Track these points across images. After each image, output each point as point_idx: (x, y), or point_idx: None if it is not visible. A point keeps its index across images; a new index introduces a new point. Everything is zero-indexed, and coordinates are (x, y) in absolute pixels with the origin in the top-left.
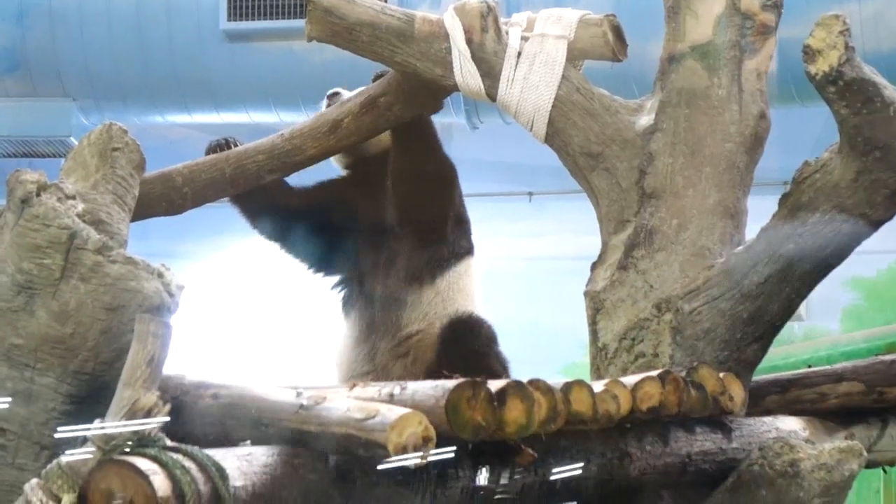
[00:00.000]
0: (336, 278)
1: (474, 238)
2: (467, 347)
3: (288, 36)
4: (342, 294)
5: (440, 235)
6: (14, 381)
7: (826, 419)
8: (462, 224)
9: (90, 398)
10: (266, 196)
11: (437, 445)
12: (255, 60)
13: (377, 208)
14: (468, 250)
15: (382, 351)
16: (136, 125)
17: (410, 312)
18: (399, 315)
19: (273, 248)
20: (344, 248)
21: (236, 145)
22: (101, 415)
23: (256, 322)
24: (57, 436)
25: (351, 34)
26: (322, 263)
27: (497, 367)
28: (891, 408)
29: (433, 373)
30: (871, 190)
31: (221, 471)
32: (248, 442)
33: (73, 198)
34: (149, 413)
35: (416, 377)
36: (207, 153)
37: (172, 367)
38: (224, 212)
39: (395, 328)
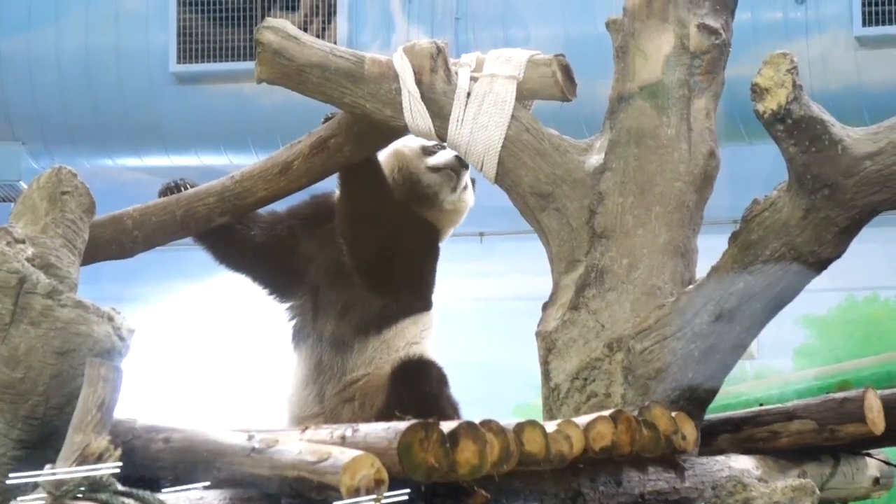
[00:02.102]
0: (290, 304)
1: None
2: (417, 390)
3: (238, 78)
4: (294, 324)
5: (389, 290)
6: None
7: (779, 457)
8: (419, 279)
9: (41, 443)
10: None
11: (390, 488)
12: (206, 103)
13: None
14: (423, 307)
15: (329, 395)
16: (85, 168)
17: (356, 357)
18: (345, 359)
19: (226, 292)
20: (304, 276)
21: (189, 187)
22: (52, 460)
23: (208, 365)
24: (7, 482)
25: (301, 76)
26: (280, 289)
27: (448, 409)
28: (843, 445)
29: (384, 416)
30: (820, 228)
31: None
32: (200, 486)
33: (23, 242)
34: (100, 458)
35: (366, 420)
36: (161, 195)
37: (124, 411)
38: (175, 255)
39: (340, 372)
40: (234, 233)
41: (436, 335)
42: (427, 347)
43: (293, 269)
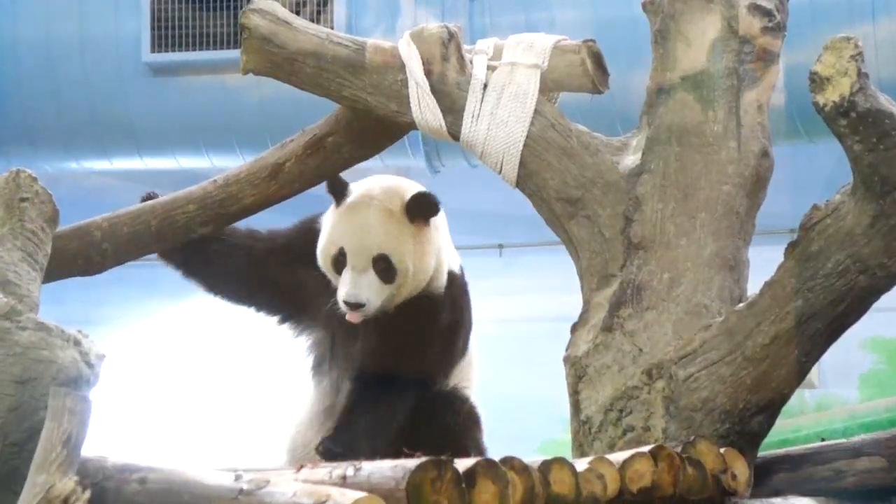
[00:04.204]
0: (306, 337)
1: None
2: (439, 423)
3: (220, 69)
4: (312, 357)
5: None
6: None
7: (843, 500)
8: (450, 358)
9: None
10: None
11: None
12: (183, 97)
13: None
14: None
15: None
16: (47, 173)
17: None
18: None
19: (205, 313)
20: (313, 314)
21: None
22: None
23: (188, 395)
24: None
25: (292, 66)
26: (293, 322)
27: (471, 451)
28: None
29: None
30: (890, 237)
31: None
32: None
33: None
34: (66, 501)
35: None
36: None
37: (93, 448)
38: (150, 271)
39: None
40: (226, 259)
41: (475, 367)
42: (467, 383)
43: (300, 304)
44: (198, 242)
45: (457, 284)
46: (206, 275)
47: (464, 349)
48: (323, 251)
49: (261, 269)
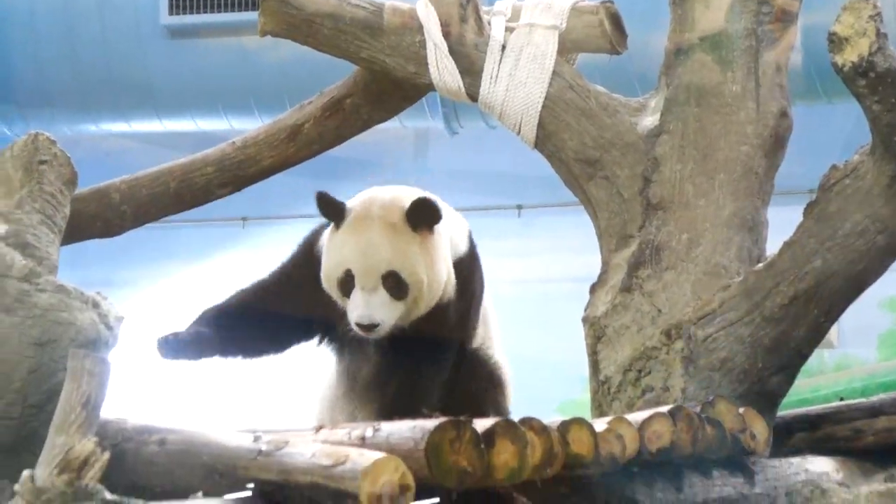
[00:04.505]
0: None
1: None
2: (460, 385)
3: (238, 31)
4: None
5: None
6: None
7: (862, 459)
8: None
9: (18, 447)
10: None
11: (417, 495)
12: (202, 59)
13: None
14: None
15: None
16: (66, 135)
17: None
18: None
19: (224, 273)
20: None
21: None
22: (32, 465)
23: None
24: None
25: (310, 27)
26: (328, 337)
27: (490, 414)
28: None
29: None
30: None
31: None
32: (200, 494)
33: None
34: (85, 462)
35: None
36: None
37: (112, 409)
38: (169, 232)
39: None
40: (248, 324)
41: (494, 325)
42: (488, 343)
43: (330, 322)
44: (220, 325)
45: (466, 260)
46: (243, 349)
47: (477, 312)
48: (328, 275)
49: (283, 309)
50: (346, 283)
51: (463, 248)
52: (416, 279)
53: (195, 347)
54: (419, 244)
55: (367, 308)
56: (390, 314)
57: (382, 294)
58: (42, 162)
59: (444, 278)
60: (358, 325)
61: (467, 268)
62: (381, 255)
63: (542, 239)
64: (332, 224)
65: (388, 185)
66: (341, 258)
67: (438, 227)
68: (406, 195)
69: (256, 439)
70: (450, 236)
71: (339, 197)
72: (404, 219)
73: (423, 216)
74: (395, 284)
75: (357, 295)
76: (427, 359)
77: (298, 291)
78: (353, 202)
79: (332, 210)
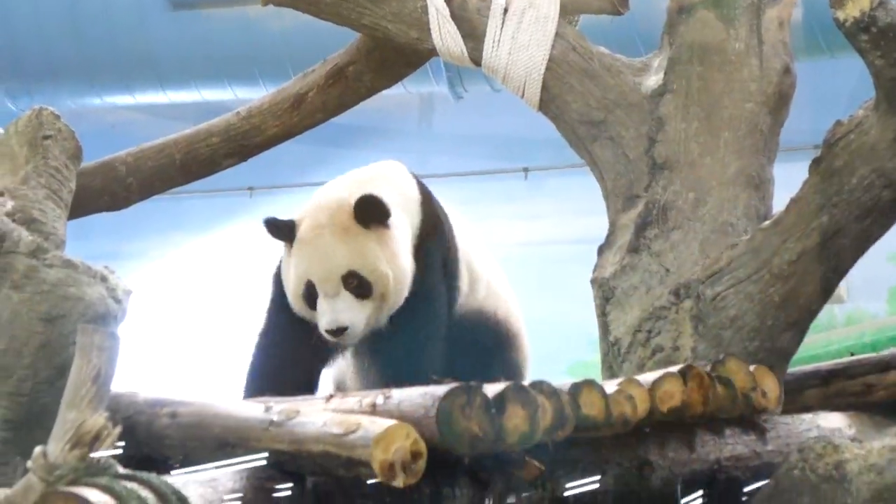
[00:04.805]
0: None
1: (464, 219)
2: (469, 348)
3: (241, 0)
4: None
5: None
6: None
7: (874, 414)
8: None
9: (29, 423)
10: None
11: (429, 462)
12: (205, 30)
13: None
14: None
15: None
16: (70, 109)
17: None
18: None
19: (233, 244)
20: None
21: None
22: (43, 441)
23: (217, 329)
24: None
25: None
26: None
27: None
28: None
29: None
30: None
31: (183, 500)
32: (213, 465)
33: (1, 194)
34: (97, 437)
35: None
36: None
37: (122, 383)
38: (175, 204)
39: None
40: (282, 365)
41: (495, 280)
42: (493, 300)
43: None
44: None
45: (425, 230)
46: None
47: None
48: (293, 295)
49: (299, 349)
50: (310, 295)
51: (417, 220)
52: (378, 275)
53: None
54: (375, 240)
55: (333, 313)
56: (358, 315)
57: (346, 296)
58: (46, 137)
59: (408, 267)
60: (327, 331)
61: (428, 237)
62: (336, 259)
63: (549, 201)
64: (285, 246)
65: (332, 182)
66: (300, 272)
67: (394, 219)
68: (351, 194)
69: (267, 410)
70: (409, 220)
71: (344, 165)
72: (353, 219)
73: (369, 214)
74: (357, 284)
75: (321, 303)
76: (417, 329)
77: (297, 326)
78: (299, 215)
79: (282, 231)
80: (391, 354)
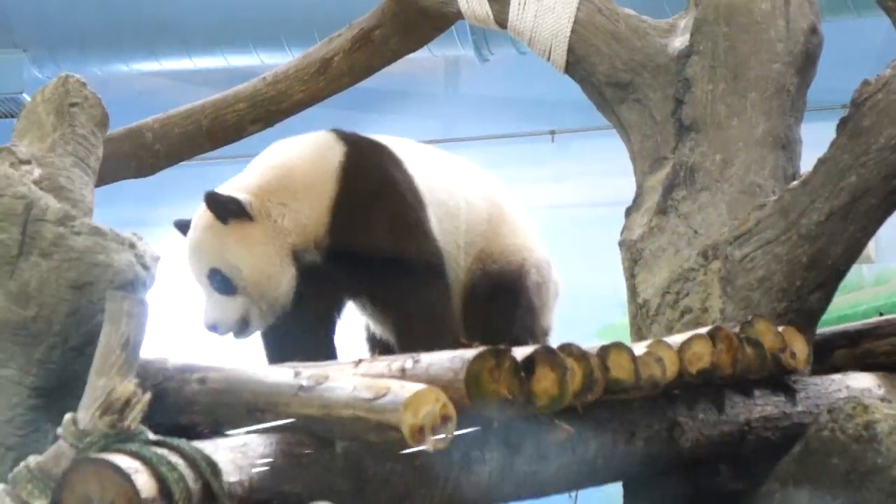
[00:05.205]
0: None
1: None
2: (489, 310)
3: None
4: None
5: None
6: None
7: None
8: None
9: (59, 390)
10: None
11: (459, 425)
12: None
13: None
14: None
15: None
16: (96, 76)
17: None
18: None
19: None
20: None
21: None
22: (73, 408)
23: None
24: (23, 434)
25: None
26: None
27: (524, 339)
28: None
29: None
30: None
31: (213, 465)
32: (243, 431)
33: (29, 162)
34: (127, 403)
35: None
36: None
37: (152, 350)
38: (202, 170)
39: None
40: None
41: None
42: (509, 254)
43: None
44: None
45: (352, 195)
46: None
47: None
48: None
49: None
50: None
51: (332, 190)
52: (236, 271)
53: None
54: (235, 236)
55: (203, 312)
56: (226, 314)
57: (214, 295)
58: (73, 104)
59: (273, 261)
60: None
61: (355, 203)
62: (199, 257)
63: (576, 164)
64: None
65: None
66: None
67: (268, 206)
68: (223, 187)
69: (297, 375)
70: (311, 198)
71: (370, 130)
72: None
73: (221, 210)
74: (219, 280)
75: (201, 301)
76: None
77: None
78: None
79: (182, 229)
80: (393, 314)
